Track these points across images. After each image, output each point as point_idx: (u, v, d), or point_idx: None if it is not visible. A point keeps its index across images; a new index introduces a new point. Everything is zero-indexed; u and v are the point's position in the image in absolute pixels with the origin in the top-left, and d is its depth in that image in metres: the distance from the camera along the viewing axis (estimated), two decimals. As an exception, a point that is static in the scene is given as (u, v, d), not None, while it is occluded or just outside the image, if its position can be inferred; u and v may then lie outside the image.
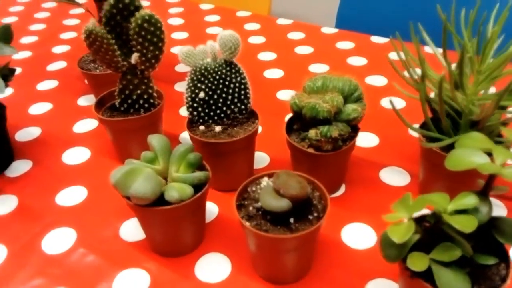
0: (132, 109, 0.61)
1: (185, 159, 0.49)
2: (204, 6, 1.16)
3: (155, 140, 0.50)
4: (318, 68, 0.86)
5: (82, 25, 1.09)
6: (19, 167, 0.65)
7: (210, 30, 1.03)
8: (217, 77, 0.55)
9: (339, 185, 0.59)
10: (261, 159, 0.64)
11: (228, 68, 0.55)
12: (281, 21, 1.06)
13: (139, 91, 0.60)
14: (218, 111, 0.57)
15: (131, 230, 0.54)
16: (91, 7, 0.76)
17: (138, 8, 0.55)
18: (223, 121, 0.58)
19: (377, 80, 0.81)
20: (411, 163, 0.62)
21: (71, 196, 0.60)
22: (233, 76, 0.56)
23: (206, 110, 0.57)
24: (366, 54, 0.90)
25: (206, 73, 0.55)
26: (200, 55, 0.55)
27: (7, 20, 1.14)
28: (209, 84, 0.56)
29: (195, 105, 0.57)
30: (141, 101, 0.60)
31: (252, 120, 0.58)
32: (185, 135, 0.70)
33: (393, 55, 0.89)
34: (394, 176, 0.61)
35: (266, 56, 0.91)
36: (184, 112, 0.76)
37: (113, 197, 0.59)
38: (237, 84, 0.56)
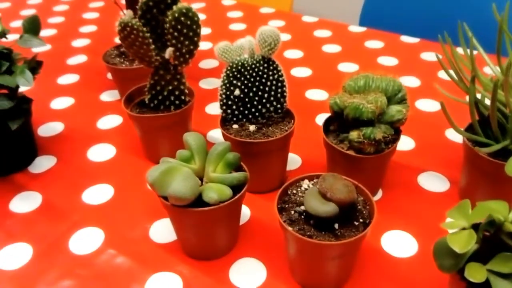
0: (162, 105, 0.59)
1: (223, 159, 0.47)
2: (226, 2, 1.14)
3: (191, 138, 0.48)
4: (348, 67, 0.83)
5: (102, 18, 1.08)
6: (43, 163, 0.63)
7: (233, 27, 1.01)
8: (254, 74, 0.53)
9: (377, 189, 0.56)
10: (292, 160, 0.62)
11: (265, 65, 0.53)
12: (307, 19, 1.03)
13: (170, 87, 0.57)
14: (253, 110, 0.55)
15: (162, 231, 0.52)
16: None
17: (176, 1, 0.53)
18: (257, 120, 0.56)
19: (410, 81, 0.79)
20: (450, 168, 0.60)
21: (98, 194, 0.58)
22: (270, 73, 0.53)
23: (241, 108, 0.55)
24: (397, 53, 0.87)
25: (242, 70, 0.53)
26: (237, 50, 0.53)
27: (26, 12, 1.12)
28: (245, 81, 0.53)
29: (229, 102, 0.54)
30: (172, 98, 0.58)
31: (287, 120, 0.56)
32: (212, 134, 0.68)
33: (426, 56, 0.87)
34: (433, 182, 0.58)
35: (293, 54, 0.89)
36: (210, 109, 0.74)
37: (141, 196, 0.57)
38: (274, 82, 0.54)
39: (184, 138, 0.48)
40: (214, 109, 0.73)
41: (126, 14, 0.50)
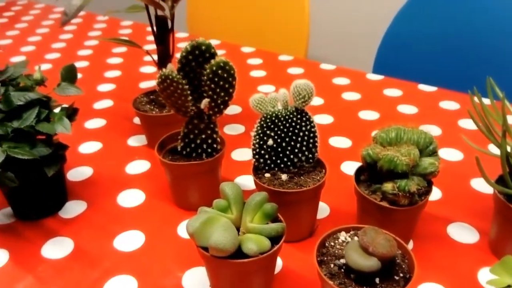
0: (194, 153, 0.60)
1: (261, 209, 0.47)
2: (246, 49, 1.18)
3: (228, 188, 0.49)
4: (368, 115, 0.85)
5: (126, 63, 1.11)
6: (74, 208, 0.64)
7: (254, 73, 1.04)
8: (287, 124, 0.55)
9: (408, 240, 0.57)
10: (320, 208, 0.62)
11: (298, 116, 0.55)
12: (324, 66, 1.06)
13: (203, 136, 0.59)
14: (285, 159, 0.56)
15: (194, 280, 0.52)
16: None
17: (213, 55, 0.55)
18: (289, 169, 0.57)
19: (431, 130, 0.80)
20: (478, 218, 0.60)
21: (129, 240, 0.58)
22: (303, 124, 0.55)
23: (273, 158, 0.56)
24: (416, 102, 0.89)
25: (276, 120, 0.54)
26: (272, 102, 0.54)
27: (50, 56, 1.16)
28: (279, 132, 0.55)
29: (262, 152, 0.56)
30: (204, 146, 0.60)
31: (318, 169, 0.57)
32: (240, 180, 0.69)
33: (445, 104, 0.88)
34: (462, 232, 0.58)
35: (314, 101, 0.91)
36: (236, 156, 0.75)
37: (172, 243, 0.57)
38: (306, 133, 0.55)
39: (221, 187, 0.49)
40: (240, 155, 0.75)
41: (167, 67, 0.52)
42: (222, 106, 0.57)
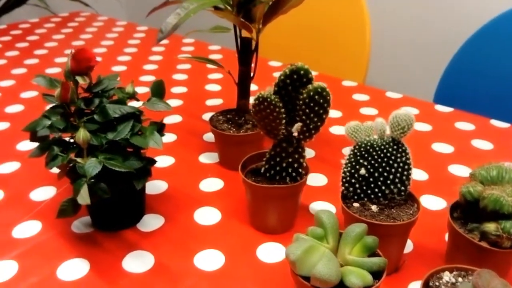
0: (278, 176, 0.60)
1: (361, 241, 0.46)
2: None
3: (325, 216, 0.48)
4: (442, 148, 0.83)
5: (191, 80, 1.13)
6: (152, 222, 0.64)
7: (319, 97, 1.03)
8: (382, 155, 0.54)
9: (501, 284, 0.54)
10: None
11: (395, 147, 0.53)
12: (391, 94, 1.05)
13: (290, 160, 0.58)
14: (376, 190, 0.55)
15: (279, 307, 0.51)
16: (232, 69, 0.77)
17: (310, 80, 0.55)
18: (379, 200, 0.55)
19: (511, 168, 0.77)
20: None
21: (209, 259, 0.58)
22: (398, 155, 0.54)
23: (364, 188, 0.55)
24: (490, 137, 0.86)
25: (371, 150, 0.53)
26: (367, 130, 0.54)
27: (117, 69, 1.19)
28: (372, 161, 0.54)
29: (353, 180, 0.55)
30: (289, 170, 0.59)
31: (409, 203, 0.55)
32: (316, 206, 0.67)
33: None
34: (558, 280, 0.55)
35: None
36: (309, 180, 0.74)
37: (252, 265, 0.57)
38: (401, 164, 0.54)
39: (317, 215, 0.48)
40: (312, 180, 0.74)
41: (267, 90, 0.52)
42: (313, 131, 0.56)
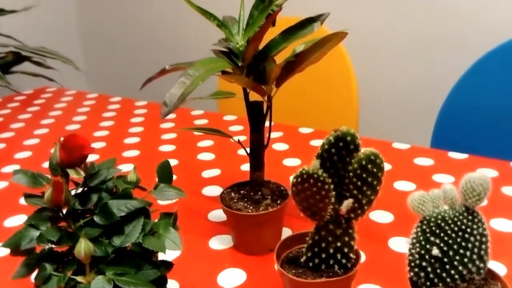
0: (323, 264, 0.49)
1: None
2: (304, 130, 1.10)
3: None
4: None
5: (179, 150, 1.02)
6: None
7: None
8: (456, 228, 0.44)
9: None
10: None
11: (469, 217, 0.44)
12: (398, 145, 0.98)
13: (339, 244, 0.48)
14: (452, 272, 0.45)
15: None
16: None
17: (357, 146, 0.46)
18: (456, 283, 0.45)
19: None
20: None
21: None
22: (474, 226, 0.45)
23: (438, 271, 0.45)
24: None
25: (442, 224, 0.44)
26: (434, 201, 0.45)
27: (96, 145, 1.07)
28: (445, 238, 0.44)
29: (423, 264, 0.45)
30: (338, 256, 0.49)
31: (492, 282, 0.46)
32: (363, 291, 0.57)
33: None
34: None
35: (404, 186, 0.81)
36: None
37: None
38: (478, 237, 0.45)
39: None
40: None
41: (313, 164, 0.43)
42: (366, 207, 0.47)
